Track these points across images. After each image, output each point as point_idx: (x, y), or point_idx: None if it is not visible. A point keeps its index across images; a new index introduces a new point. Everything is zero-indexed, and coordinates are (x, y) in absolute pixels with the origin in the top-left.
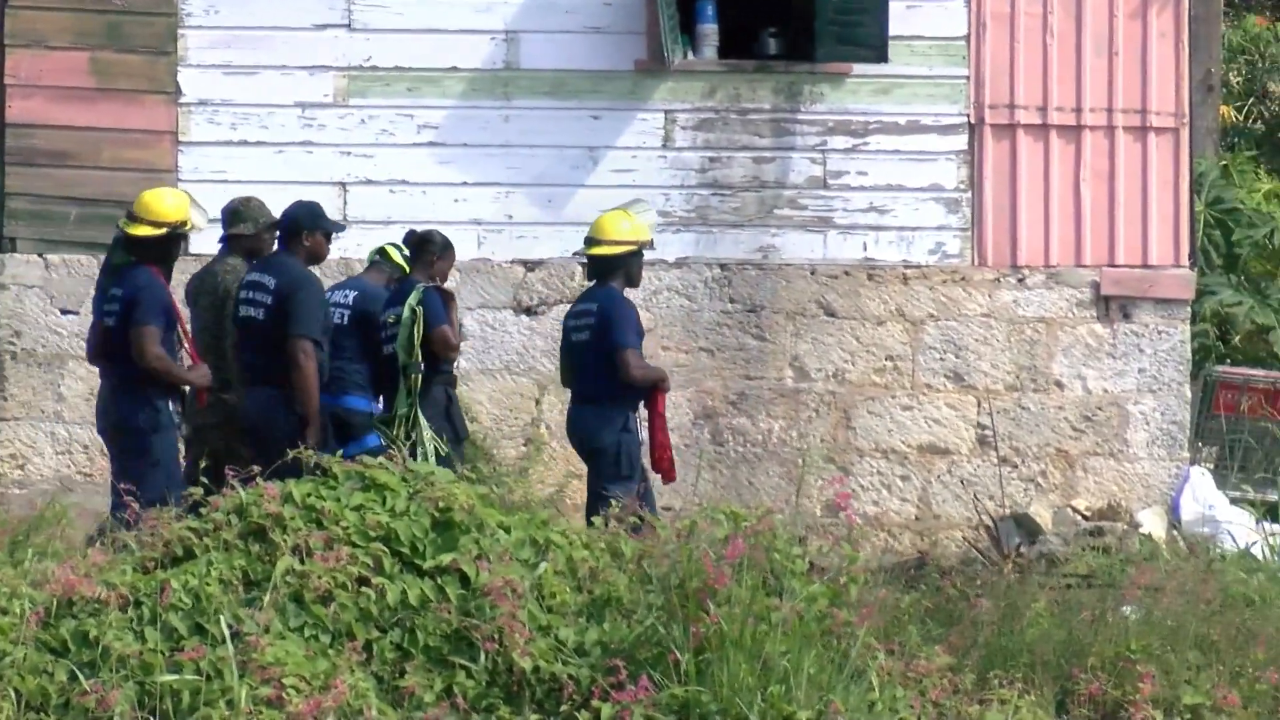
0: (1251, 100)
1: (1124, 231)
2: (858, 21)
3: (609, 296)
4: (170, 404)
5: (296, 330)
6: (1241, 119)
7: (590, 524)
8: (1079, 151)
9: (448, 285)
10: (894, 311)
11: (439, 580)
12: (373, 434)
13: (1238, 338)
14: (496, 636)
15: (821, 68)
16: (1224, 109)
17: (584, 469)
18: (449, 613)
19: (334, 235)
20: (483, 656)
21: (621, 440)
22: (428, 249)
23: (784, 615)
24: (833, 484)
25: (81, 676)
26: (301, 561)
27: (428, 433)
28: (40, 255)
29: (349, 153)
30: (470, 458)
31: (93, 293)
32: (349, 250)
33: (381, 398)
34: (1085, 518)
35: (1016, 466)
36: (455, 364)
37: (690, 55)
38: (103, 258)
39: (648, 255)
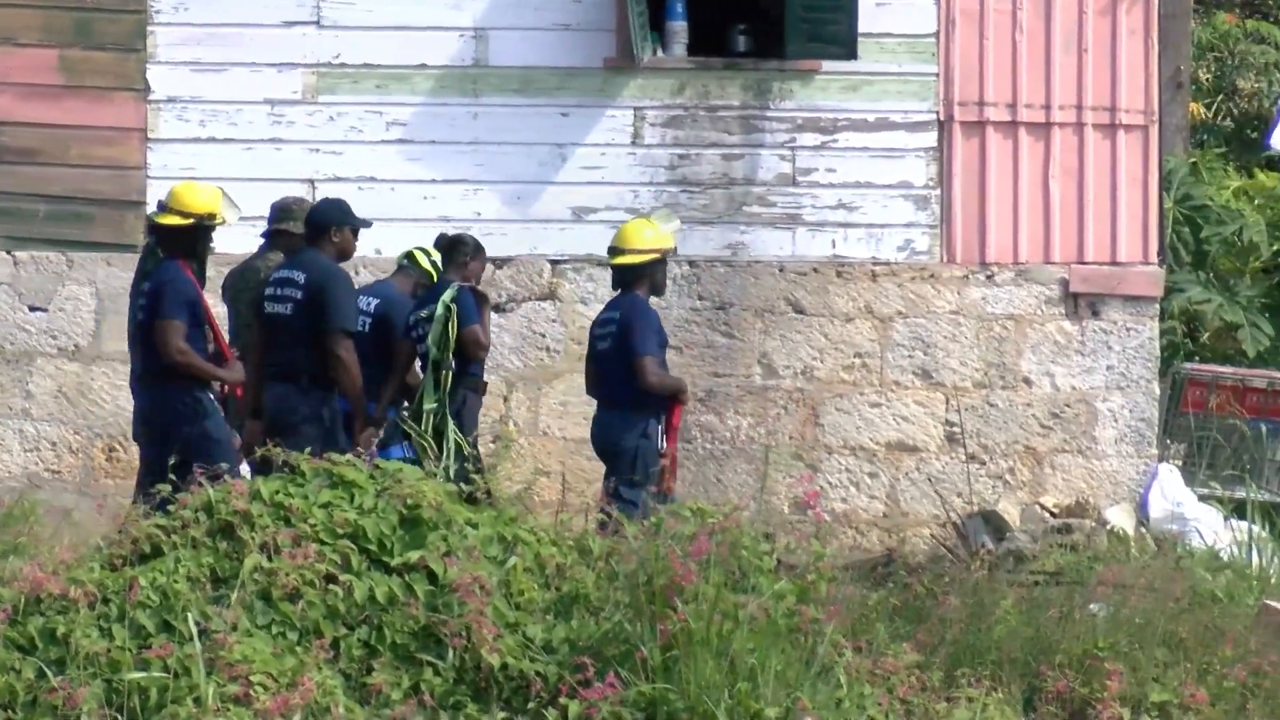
0: (1221, 97)
1: (1093, 229)
2: (827, 19)
3: (632, 305)
4: (208, 392)
5: (334, 325)
6: (1211, 116)
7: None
8: (1048, 149)
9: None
10: (862, 309)
11: (407, 577)
12: (397, 446)
13: (1206, 335)
14: (464, 633)
15: (791, 65)
16: (1193, 106)
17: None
18: (416, 610)
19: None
20: (450, 653)
21: (640, 446)
22: (460, 251)
23: (751, 613)
24: (801, 481)
25: (49, 674)
26: (269, 559)
27: (452, 428)
28: (9, 253)
29: (318, 150)
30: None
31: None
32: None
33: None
34: (1053, 515)
35: (985, 464)
36: (483, 369)
37: (659, 52)
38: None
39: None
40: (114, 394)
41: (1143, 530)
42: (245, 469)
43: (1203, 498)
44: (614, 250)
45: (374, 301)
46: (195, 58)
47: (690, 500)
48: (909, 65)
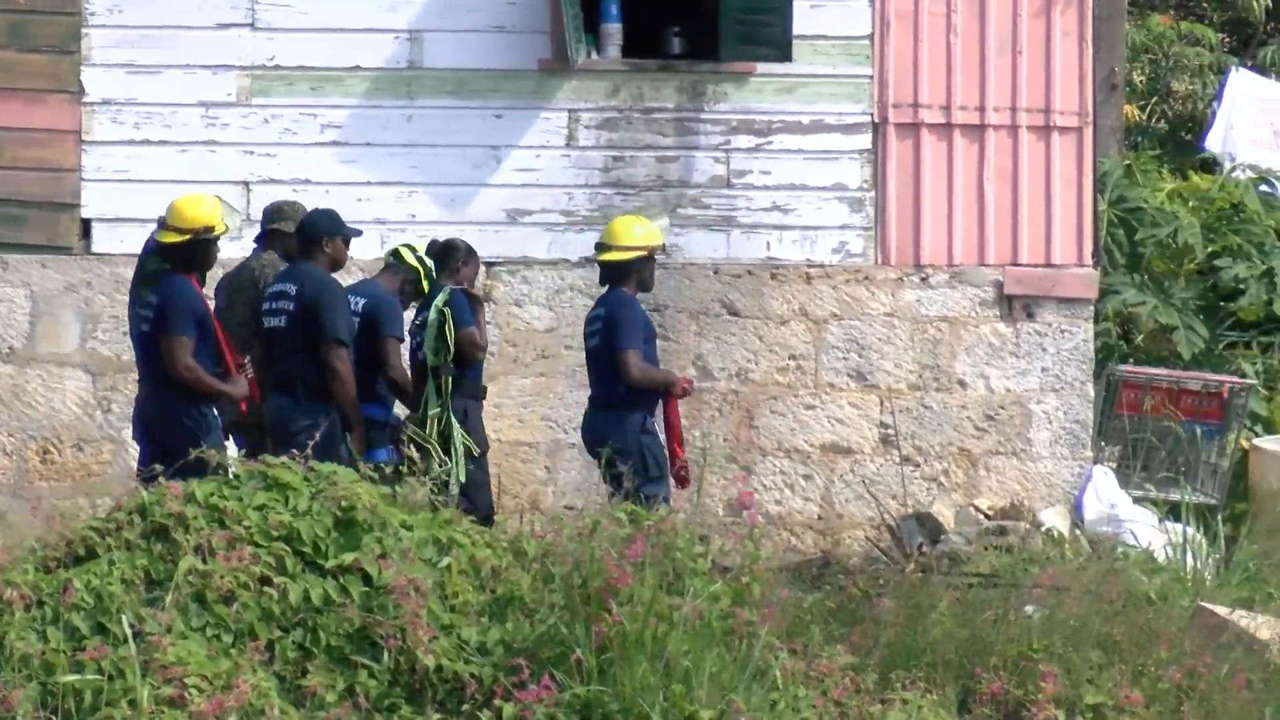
0: (1155, 99)
1: (1027, 231)
2: (762, 21)
3: (617, 301)
4: (211, 406)
5: (327, 335)
6: (1145, 118)
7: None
8: (982, 151)
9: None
10: (797, 310)
11: (341, 580)
12: (382, 449)
13: (1141, 337)
14: (399, 635)
15: (725, 67)
16: (1127, 108)
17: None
18: (351, 612)
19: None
20: (385, 656)
21: (643, 442)
22: (452, 256)
23: (686, 615)
24: (735, 482)
25: None
26: (204, 561)
27: (458, 432)
28: None
29: (252, 152)
30: None
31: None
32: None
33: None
34: (988, 517)
35: (919, 466)
36: (481, 374)
37: (594, 54)
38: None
39: (553, 255)
40: (48, 396)
41: (1077, 532)
42: None
43: (1137, 500)
44: (601, 246)
45: (361, 301)
46: (130, 60)
47: (625, 503)
48: (843, 67)
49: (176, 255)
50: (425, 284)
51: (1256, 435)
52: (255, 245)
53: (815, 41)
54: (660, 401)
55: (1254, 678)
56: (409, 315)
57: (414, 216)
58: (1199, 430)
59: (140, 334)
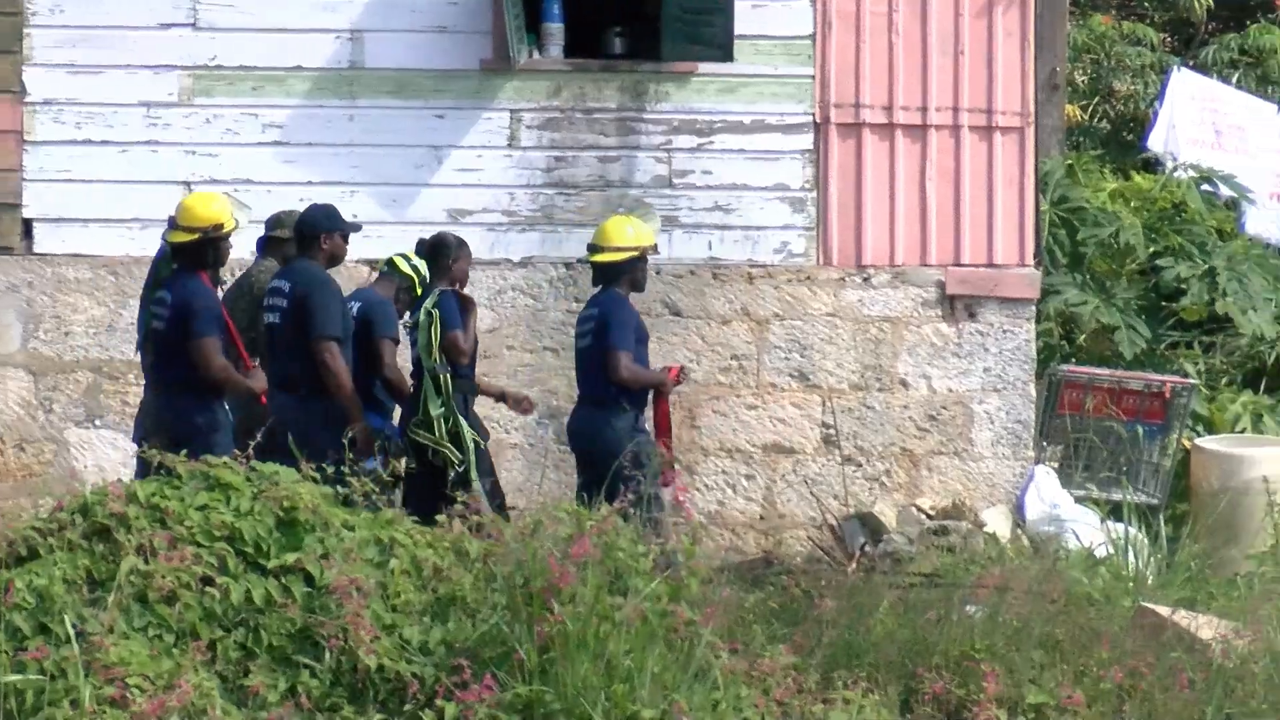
0: (1097, 99)
1: (969, 231)
2: (703, 21)
3: (610, 301)
4: (224, 405)
5: (317, 331)
6: (1087, 118)
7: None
8: (924, 151)
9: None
10: (739, 311)
11: (283, 580)
12: (370, 459)
13: (1083, 337)
14: (341, 635)
15: (667, 67)
16: (1069, 108)
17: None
18: (293, 612)
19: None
20: (327, 655)
21: (640, 442)
22: (442, 254)
23: (628, 614)
24: (670, 478)
25: None
26: (146, 561)
27: (467, 431)
28: None
29: (193, 152)
30: None
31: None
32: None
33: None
34: (930, 517)
35: (861, 466)
36: (474, 371)
37: (536, 54)
38: None
39: (495, 256)
40: None
41: (1019, 532)
42: None
43: (1079, 499)
44: (593, 248)
45: (355, 305)
46: (71, 60)
47: (567, 502)
48: (785, 67)
49: (188, 254)
50: (419, 290)
51: (1198, 435)
52: (256, 254)
53: (757, 41)
54: (651, 400)
55: (1195, 677)
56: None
57: (356, 216)
58: (1141, 430)
59: (154, 332)
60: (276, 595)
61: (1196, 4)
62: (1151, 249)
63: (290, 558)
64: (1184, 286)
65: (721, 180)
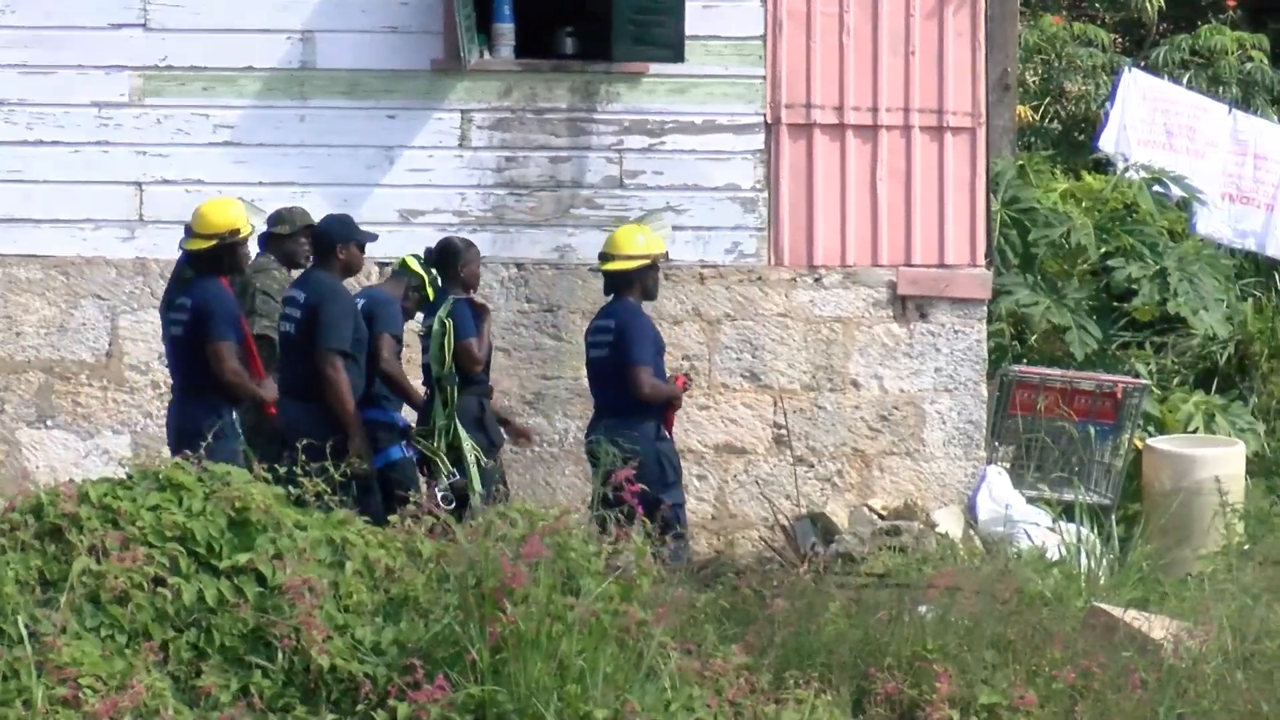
0: (1048, 100)
1: (920, 231)
2: (654, 21)
3: (625, 311)
4: (234, 413)
5: (323, 343)
6: (1038, 118)
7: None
8: (875, 151)
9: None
10: (690, 311)
11: (235, 580)
12: (395, 445)
13: (1034, 337)
14: (293, 635)
15: (618, 67)
16: (1021, 108)
17: None
18: (245, 612)
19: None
20: (280, 656)
21: (659, 449)
22: (451, 260)
23: (580, 614)
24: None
25: None
26: (98, 562)
27: (468, 443)
28: None
29: (144, 152)
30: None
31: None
32: (145, 250)
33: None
34: (882, 517)
35: (813, 466)
36: (489, 377)
37: (487, 55)
38: None
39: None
40: None
41: (971, 532)
42: None
43: (1031, 500)
44: (605, 256)
45: (360, 302)
46: (22, 60)
47: (519, 502)
48: (736, 68)
49: (205, 261)
50: (430, 291)
51: (1150, 435)
52: (258, 251)
53: (708, 42)
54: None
55: (1147, 677)
56: (413, 323)
57: None
58: (1093, 430)
59: (173, 339)
60: (229, 595)
61: (1148, 5)
62: (1103, 249)
63: (242, 558)
64: (1135, 287)
65: (673, 181)
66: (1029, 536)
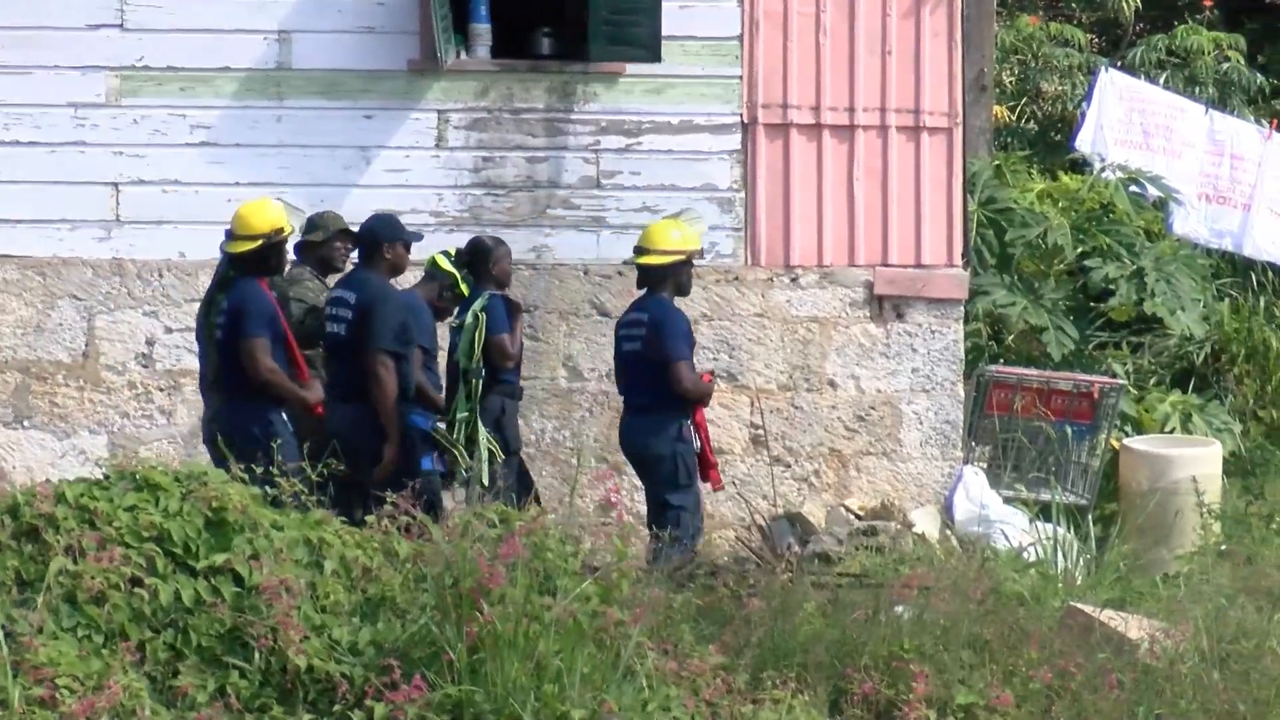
0: (1024, 100)
1: (897, 231)
2: (631, 21)
3: (659, 306)
4: (280, 413)
5: (373, 344)
6: (1014, 119)
7: (654, 535)
8: (852, 151)
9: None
10: None
11: (212, 580)
12: (425, 458)
13: (1011, 337)
14: (270, 636)
15: (595, 67)
16: (997, 109)
17: None
18: (223, 612)
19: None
20: (257, 656)
21: (677, 450)
22: (481, 259)
23: (557, 615)
24: (601, 479)
25: None
26: (75, 562)
27: (484, 436)
28: None
29: (121, 153)
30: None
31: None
32: (121, 251)
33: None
34: (858, 517)
35: (790, 466)
36: (519, 375)
37: (463, 55)
38: None
39: (423, 256)
40: None
41: (948, 532)
42: None
43: (1008, 500)
44: (640, 250)
45: None
46: None
47: (496, 503)
48: (713, 68)
49: (250, 262)
50: (464, 286)
51: (1127, 435)
52: (294, 258)
53: (685, 42)
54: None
55: (1124, 677)
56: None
57: None
58: (1069, 430)
59: (216, 343)
60: (205, 596)
61: (1125, 5)
62: (1079, 249)
63: (219, 558)
64: (1112, 287)
65: (649, 181)
66: (1006, 537)
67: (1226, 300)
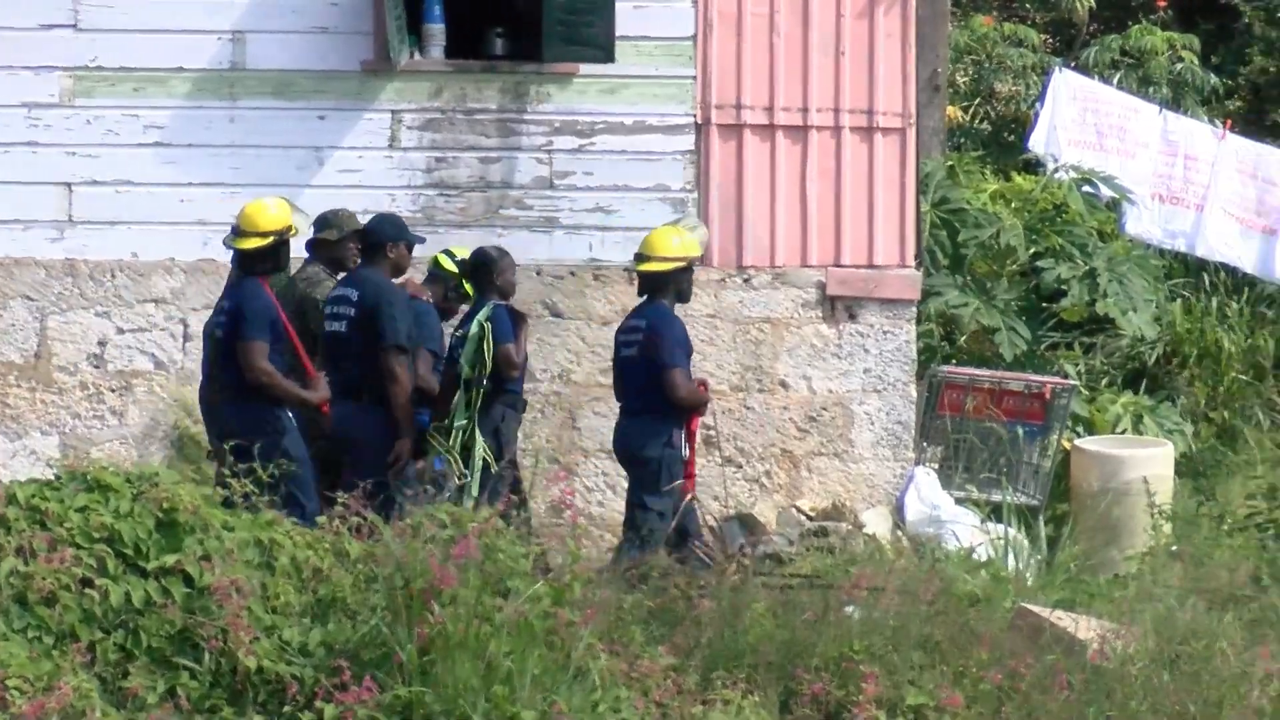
0: (978, 100)
1: (850, 232)
2: (585, 22)
3: (658, 314)
4: (286, 409)
5: (386, 340)
6: (968, 119)
7: (628, 538)
8: (805, 152)
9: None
10: (620, 312)
11: (163, 581)
12: (437, 458)
13: (963, 338)
14: (220, 637)
15: (548, 68)
16: (951, 109)
17: None
18: (173, 613)
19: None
20: (207, 657)
21: (664, 455)
22: (486, 270)
23: (508, 616)
24: (554, 481)
25: None
26: (25, 563)
27: (480, 445)
28: None
29: (74, 153)
30: (194, 458)
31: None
32: (74, 251)
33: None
34: (810, 518)
35: (741, 467)
36: (523, 386)
37: (417, 55)
38: None
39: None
40: None
41: (899, 533)
42: None
43: (959, 501)
44: (640, 257)
45: None
46: None
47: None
48: (666, 68)
49: (260, 260)
50: (469, 285)
51: (1078, 436)
52: (306, 256)
53: (638, 42)
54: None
55: (1074, 678)
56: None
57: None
58: (1021, 431)
59: (215, 340)
60: (156, 597)
61: (1078, 5)
62: (1032, 250)
63: (170, 559)
64: (1064, 287)
65: (603, 181)
66: (957, 537)
67: (1179, 301)
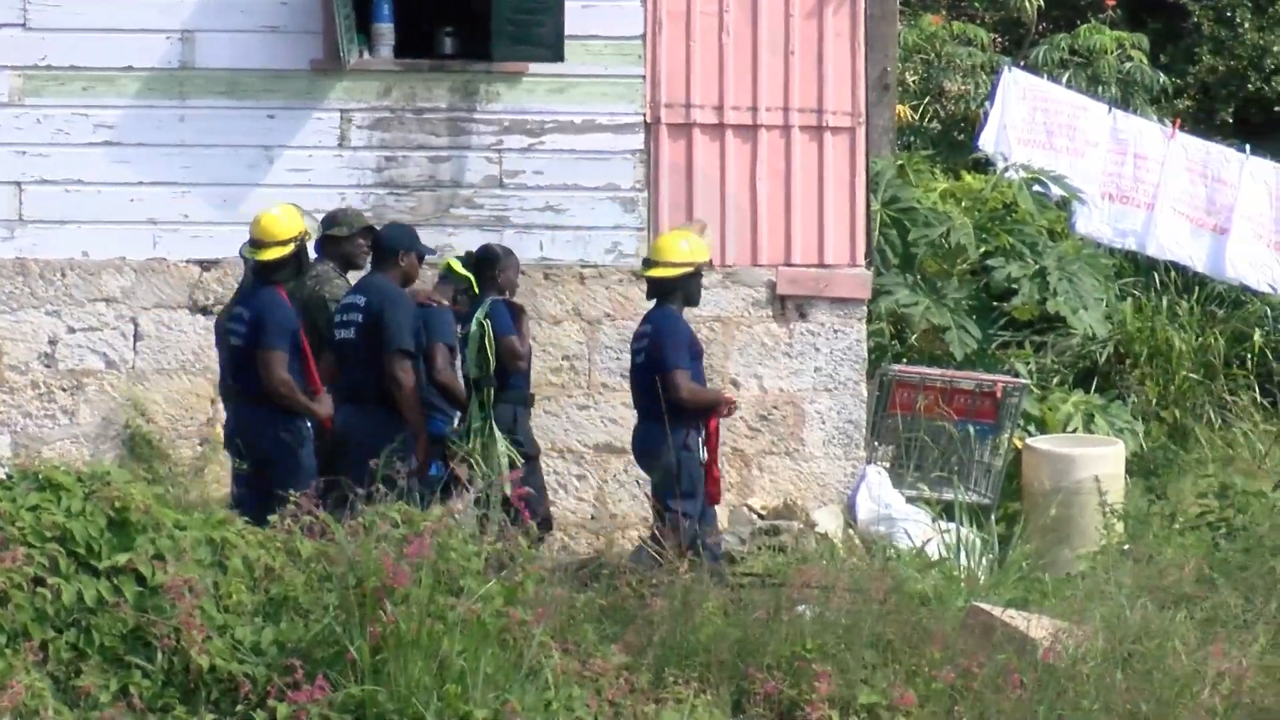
0: (928, 99)
1: (800, 231)
2: (534, 21)
3: (664, 318)
4: (305, 420)
5: (391, 346)
6: (917, 118)
7: (653, 538)
8: (755, 151)
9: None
10: (570, 311)
11: (115, 580)
12: (433, 463)
13: (914, 337)
14: (173, 635)
15: (498, 67)
16: (900, 108)
17: None
18: (125, 612)
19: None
20: (159, 656)
21: (681, 458)
22: (489, 266)
23: (461, 615)
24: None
25: None
26: None
27: (502, 445)
28: None
29: (24, 152)
30: (145, 457)
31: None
32: (25, 250)
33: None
34: (761, 517)
35: None
36: (529, 382)
37: (366, 54)
38: None
39: None
40: None
41: (851, 532)
42: None
43: (911, 499)
44: (648, 262)
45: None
46: None
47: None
48: (616, 67)
49: (281, 268)
50: (476, 289)
51: (1030, 435)
52: (316, 255)
53: (587, 41)
54: (705, 417)
55: (1026, 677)
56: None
57: (187, 217)
58: (972, 430)
59: (232, 349)
60: (108, 596)
61: (1027, 4)
62: (982, 249)
63: (122, 558)
64: (1015, 286)
65: (552, 180)
66: (909, 536)
67: (1129, 300)
